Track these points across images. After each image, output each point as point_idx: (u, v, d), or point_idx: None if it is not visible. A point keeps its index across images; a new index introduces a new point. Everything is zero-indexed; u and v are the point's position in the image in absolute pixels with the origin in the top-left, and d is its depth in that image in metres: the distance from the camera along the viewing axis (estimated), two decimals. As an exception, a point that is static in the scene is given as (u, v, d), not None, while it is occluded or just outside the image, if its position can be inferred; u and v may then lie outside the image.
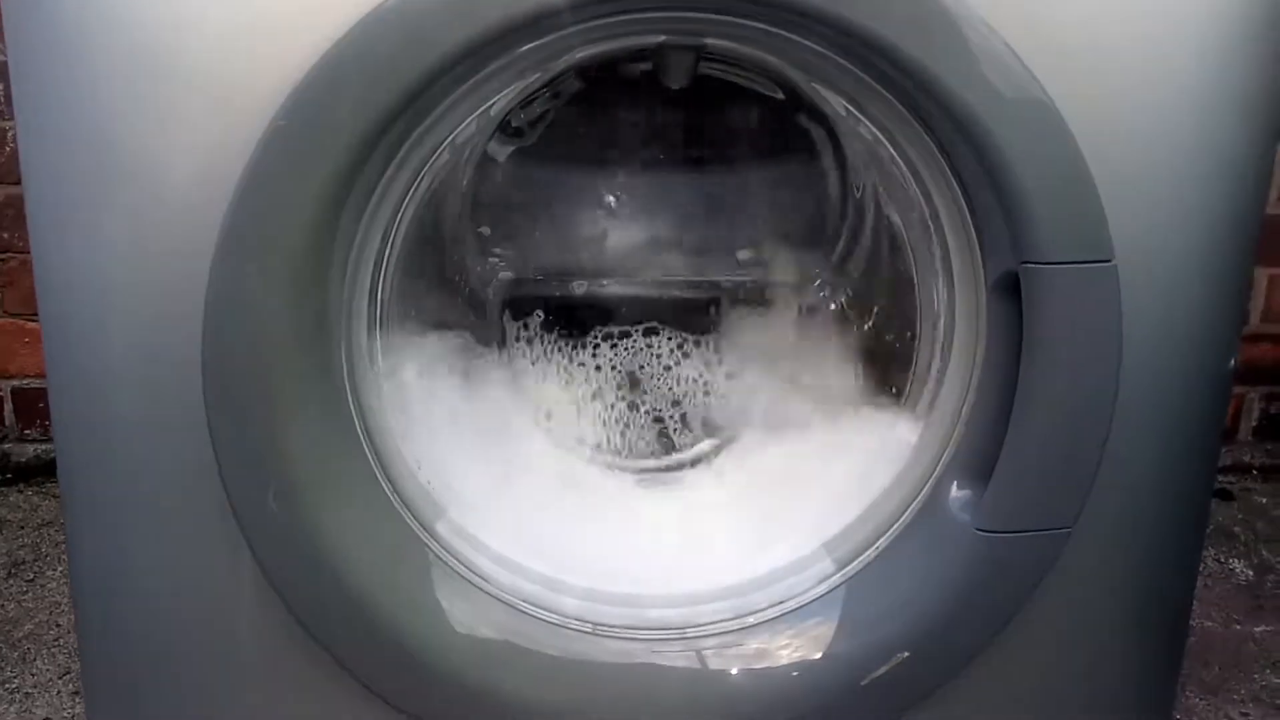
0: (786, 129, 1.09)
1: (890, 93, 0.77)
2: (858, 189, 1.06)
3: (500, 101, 0.85)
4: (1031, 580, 0.84)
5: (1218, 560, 1.51)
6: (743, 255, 1.16)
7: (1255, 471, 1.84)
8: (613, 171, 1.12)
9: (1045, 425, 0.79)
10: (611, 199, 1.13)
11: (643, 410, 1.14)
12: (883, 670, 0.85)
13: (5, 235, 1.64)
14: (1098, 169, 0.74)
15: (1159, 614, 0.91)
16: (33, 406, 1.72)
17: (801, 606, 0.89)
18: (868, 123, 0.86)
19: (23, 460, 1.73)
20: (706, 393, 1.16)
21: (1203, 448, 0.87)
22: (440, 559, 0.85)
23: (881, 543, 0.88)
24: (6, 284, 1.66)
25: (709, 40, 0.82)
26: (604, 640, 0.87)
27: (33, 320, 1.66)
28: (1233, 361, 0.85)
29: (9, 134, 1.58)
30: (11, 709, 1.15)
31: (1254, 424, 1.86)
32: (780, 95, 1.05)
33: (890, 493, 0.90)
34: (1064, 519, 0.82)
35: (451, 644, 0.83)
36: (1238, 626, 1.35)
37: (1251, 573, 1.48)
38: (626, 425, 1.13)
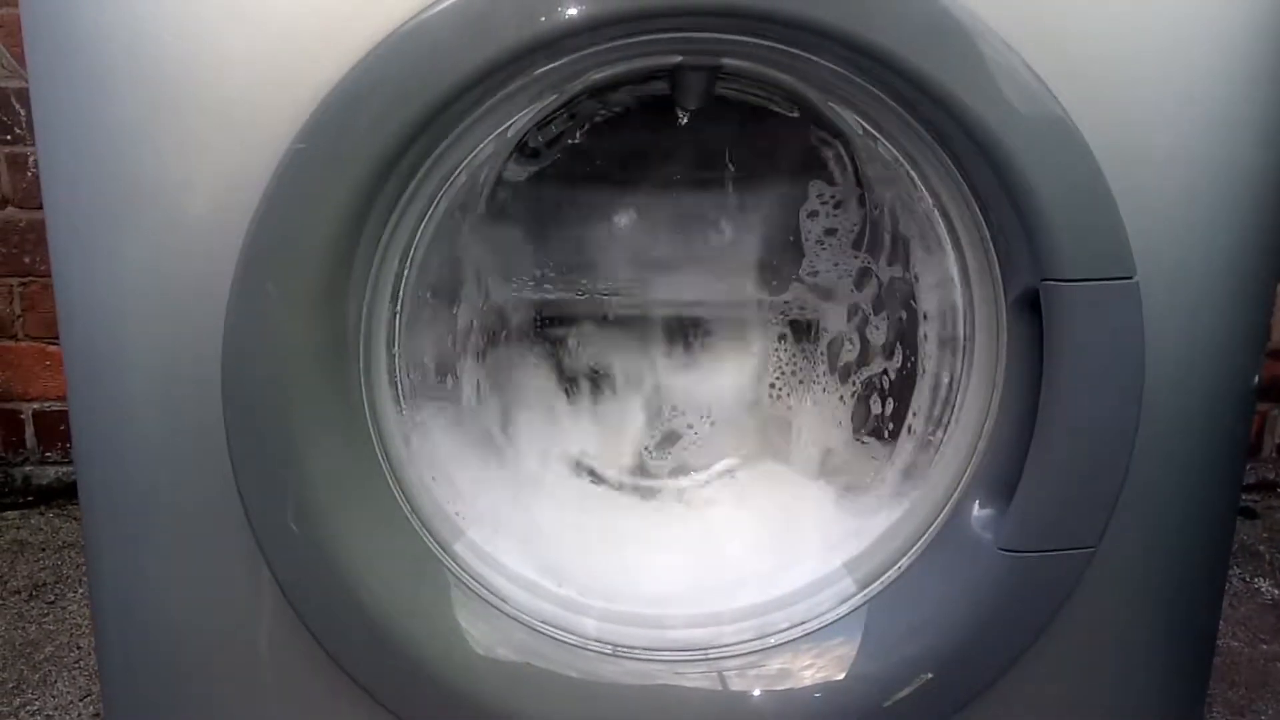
0: (803, 149, 1.09)
1: (908, 111, 0.77)
2: (875, 208, 1.06)
3: (517, 123, 0.85)
4: (1055, 599, 0.83)
5: (1243, 579, 1.50)
6: (760, 273, 1.15)
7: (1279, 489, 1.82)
8: (629, 192, 1.12)
9: (1068, 443, 0.78)
10: (627, 219, 1.13)
11: (661, 430, 1.14)
12: (906, 691, 0.84)
13: (27, 260, 1.65)
14: (1118, 185, 0.74)
15: (1185, 633, 0.90)
16: (54, 429, 1.73)
17: (823, 627, 0.88)
18: (885, 141, 0.85)
19: (44, 483, 1.74)
20: (725, 412, 1.15)
21: (1227, 465, 0.86)
22: (459, 579, 0.85)
23: (903, 562, 0.88)
24: (29, 308, 1.67)
25: (725, 60, 0.83)
26: (624, 661, 0.86)
27: (54, 344, 1.67)
28: (1257, 378, 0.84)
29: (31, 159, 1.60)
30: (32, 732, 1.15)
31: (1278, 441, 1.84)
32: (797, 115, 1.05)
33: (911, 512, 0.89)
34: (1087, 538, 0.81)
35: (471, 665, 0.82)
36: (1264, 646, 1.33)
37: (1277, 592, 1.47)
38: (645, 445, 1.13)
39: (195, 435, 0.76)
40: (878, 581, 0.88)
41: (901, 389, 1.02)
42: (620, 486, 1.08)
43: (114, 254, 0.74)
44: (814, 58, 0.75)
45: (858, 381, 1.10)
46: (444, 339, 1.01)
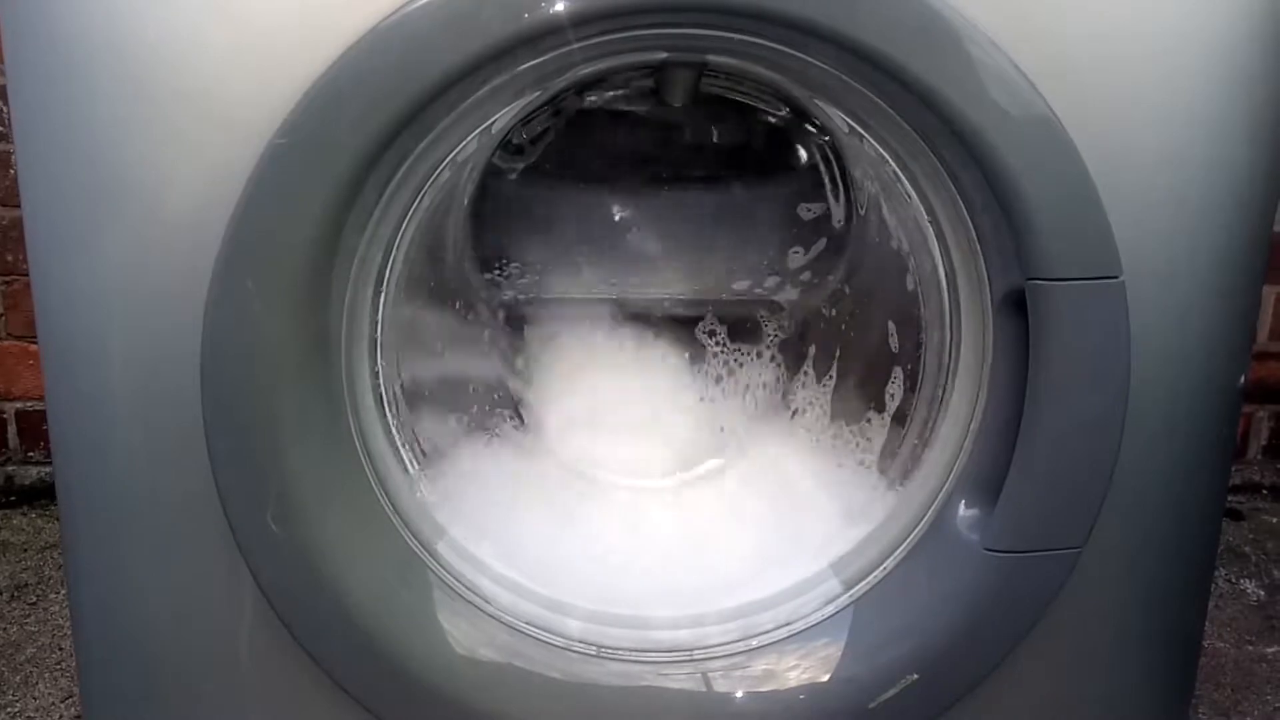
0: (789, 146, 1.09)
1: (894, 110, 0.77)
2: (861, 206, 1.05)
3: (501, 119, 0.84)
4: (1041, 600, 0.83)
5: (1229, 580, 1.50)
6: (746, 273, 1.15)
7: (1265, 491, 1.83)
8: (615, 188, 1.12)
9: (1053, 443, 0.78)
10: (613, 216, 1.13)
11: (645, 428, 1.13)
12: (891, 693, 0.84)
13: (9, 258, 1.64)
14: (1104, 185, 0.74)
15: (1171, 634, 0.90)
16: (36, 429, 1.72)
17: (809, 628, 0.88)
18: (871, 140, 0.85)
19: (26, 483, 1.73)
20: (710, 411, 1.15)
21: (1213, 466, 0.86)
22: (441, 580, 0.85)
23: (889, 563, 0.88)
24: (10, 306, 1.66)
25: (711, 57, 0.82)
26: (608, 662, 0.86)
27: (36, 343, 1.66)
28: (1242, 379, 0.84)
29: (12, 157, 1.59)
30: (12, 734, 1.14)
31: (1263, 443, 1.85)
32: (783, 112, 1.05)
33: (897, 513, 0.89)
34: (1073, 538, 0.81)
35: (453, 666, 0.82)
36: (1250, 647, 1.33)
37: (1263, 593, 1.47)
38: (629, 444, 1.12)
39: (174, 434, 0.76)
40: (863, 582, 0.88)
41: (888, 388, 1.01)
42: (605, 486, 1.08)
43: (93, 251, 0.73)
44: (800, 55, 0.75)
45: (845, 382, 1.10)
46: (428, 336, 1.00)
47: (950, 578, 0.84)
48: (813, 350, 1.14)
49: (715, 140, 1.13)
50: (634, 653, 0.87)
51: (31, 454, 1.74)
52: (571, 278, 1.14)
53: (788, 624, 0.88)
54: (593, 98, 1.06)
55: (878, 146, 0.85)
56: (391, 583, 0.82)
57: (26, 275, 1.62)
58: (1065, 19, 0.73)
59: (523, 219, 1.12)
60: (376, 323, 0.84)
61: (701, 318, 1.16)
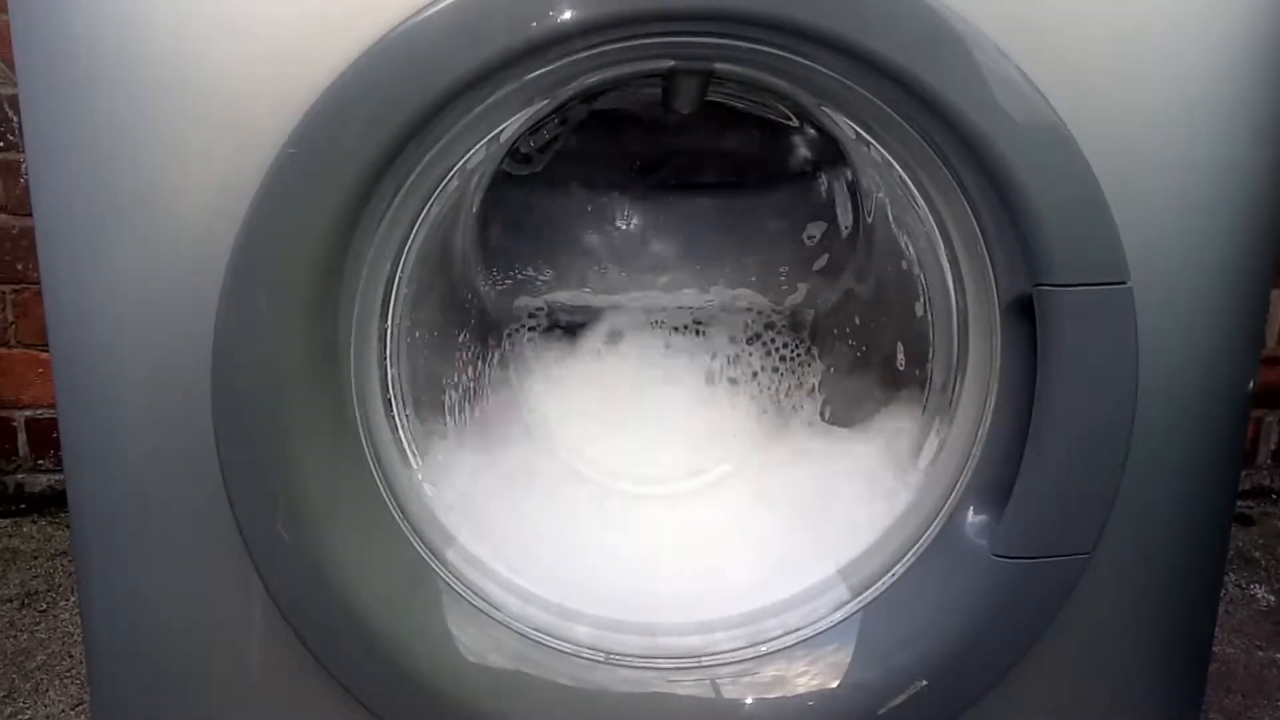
0: (796, 153, 1.09)
1: (901, 116, 0.77)
2: (869, 213, 1.05)
3: (509, 128, 0.85)
4: (1050, 606, 0.83)
5: (1239, 586, 1.50)
6: (754, 280, 1.15)
7: (1275, 496, 1.82)
8: (623, 195, 1.12)
9: (1062, 449, 0.78)
10: (621, 222, 1.13)
11: (655, 434, 1.13)
12: (901, 699, 0.84)
13: (19, 266, 1.65)
14: (1112, 190, 0.74)
15: (1180, 640, 0.90)
16: (46, 437, 1.73)
17: (817, 634, 0.88)
18: (878, 146, 0.85)
19: (36, 491, 1.73)
20: (719, 416, 1.15)
21: (1222, 471, 0.86)
22: (451, 587, 0.85)
23: (898, 569, 0.88)
24: (21, 315, 1.67)
25: (718, 65, 0.82)
26: (617, 669, 0.86)
27: (47, 351, 1.66)
28: (1251, 384, 0.84)
29: (24, 165, 1.59)
30: (23, 741, 1.15)
31: (1273, 448, 1.84)
32: (790, 119, 1.05)
33: (906, 518, 0.89)
34: (1082, 544, 0.81)
35: (462, 673, 0.82)
36: (1260, 653, 1.33)
37: (1273, 598, 1.47)
38: (639, 450, 1.12)
39: (185, 442, 0.76)
40: (872, 588, 0.88)
41: (896, 394, 1.01)
42: (614, 493, 1.08)
43: (103, 260, 0.74)
44: (807, 63, 0.75)
45: (853, 388, 1.10)
46: (437, 345, 1.00)
47: (959, 584, 0.84)
48: (821, 357, 1.14)
49: (722, 148, 1.13)
50: (643, 659, 0.87)
51: (41, 462, 1.74)
52: (579, 284, 1.14)
53: (796, 630, 0.88)
54: (600, 106, 1.06)
55: (885, 153, 0.85)
56: (401, 589, 0.82)
57: (36, 284, 1.64)
58: (1071, 25, 0.73)
59: (530, 226, 1.12)
60: (385, 330, 0.85)
61: (709, 324, 1.16)
